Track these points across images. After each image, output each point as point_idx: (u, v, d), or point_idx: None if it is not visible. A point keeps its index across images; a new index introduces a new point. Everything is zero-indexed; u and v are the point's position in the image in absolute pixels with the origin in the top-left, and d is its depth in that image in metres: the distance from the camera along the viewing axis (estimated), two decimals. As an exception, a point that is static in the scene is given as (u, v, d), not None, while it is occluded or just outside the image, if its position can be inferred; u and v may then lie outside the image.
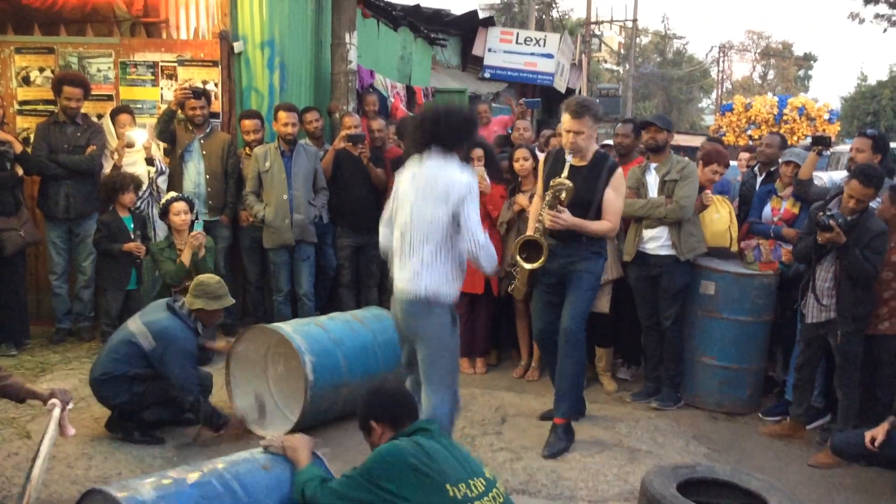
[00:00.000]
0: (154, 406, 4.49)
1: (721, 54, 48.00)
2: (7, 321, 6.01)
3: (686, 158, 5.49)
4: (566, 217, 4.42)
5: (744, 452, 4.75)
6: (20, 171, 6.10)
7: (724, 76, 50.29)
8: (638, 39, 42.10)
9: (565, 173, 4.45)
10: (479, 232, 3.60)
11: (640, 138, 5.64)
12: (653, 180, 5.36)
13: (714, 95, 49.94)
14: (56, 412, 3.55)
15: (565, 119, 4.49)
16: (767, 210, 5.63)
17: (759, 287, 5.25)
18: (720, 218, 5.45)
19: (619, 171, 4.56)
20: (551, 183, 4.46)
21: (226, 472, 2.97)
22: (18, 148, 6.03)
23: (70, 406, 4.29)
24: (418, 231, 3.61)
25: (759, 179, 6.15)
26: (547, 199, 4.48)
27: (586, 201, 4.50)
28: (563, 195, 4.41)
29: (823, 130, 19.91)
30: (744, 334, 5.28)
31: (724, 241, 5.44)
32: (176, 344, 4.38)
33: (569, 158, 4.47)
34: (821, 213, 4.56)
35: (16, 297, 6.08)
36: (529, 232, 4.70)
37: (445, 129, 3.64)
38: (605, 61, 45.98)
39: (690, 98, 51.04)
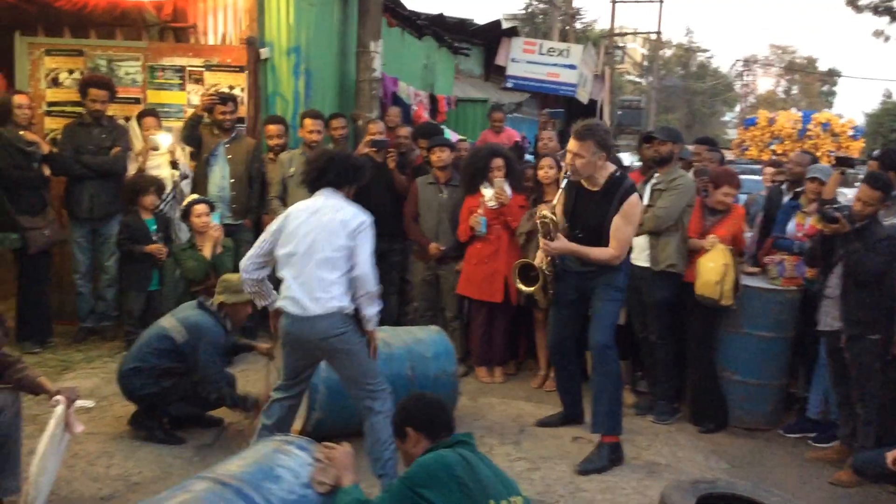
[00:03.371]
0: (180, 402, 4.57)
1: (745, 68, 47.85)
2: (31, 319, 6.08)
3: (684, 172, 5.45)
4: (556, 245, 4.48)
5: (764, 468, 4.72)
6: (47, 172, 6.18)
7: (748, 90, 50.11)
8: (661, 52, 42.02)
9: (557, 198, 4.51)
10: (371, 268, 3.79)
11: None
12: (648, 189, 5.36)
13: (737, 109, 49.74)
14: (59, 409, 3.56)
15: (570, 140, 4.50)
16: (792, 225, 5.60)
17: (781, 303, 5.22)
18: (713, 268, 5.03)
19: (633, 198, 4.43)
20: (537, 214, 4.51)
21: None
22: (46, 148, 6.11)
23: (87, 404, 4.37)
24: (322, 254, 3.74)
25: (787, 198, 6.11)
26: (540, 228, 4.51)
27: (597, 227, 4.47)
28: (551, 226, 4.45)
29: (847, 147, 19.75)
30: (766, 350, 5.24)
31: (714, 293, 5.02)
32: (207, 337, 4.50)
33: (565, 179, 4.48)
34: (827, 206, 4.67)
35: (40, 296, 6.15)
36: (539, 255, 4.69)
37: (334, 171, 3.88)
38: (629, 73, 45.91)
39: (713, 111, 50.86)
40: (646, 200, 5.31)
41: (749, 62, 49.21)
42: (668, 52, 49.39)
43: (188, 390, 4.56)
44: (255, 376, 5.43)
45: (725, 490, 3.58)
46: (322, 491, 2.85)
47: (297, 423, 4.54)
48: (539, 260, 4.67)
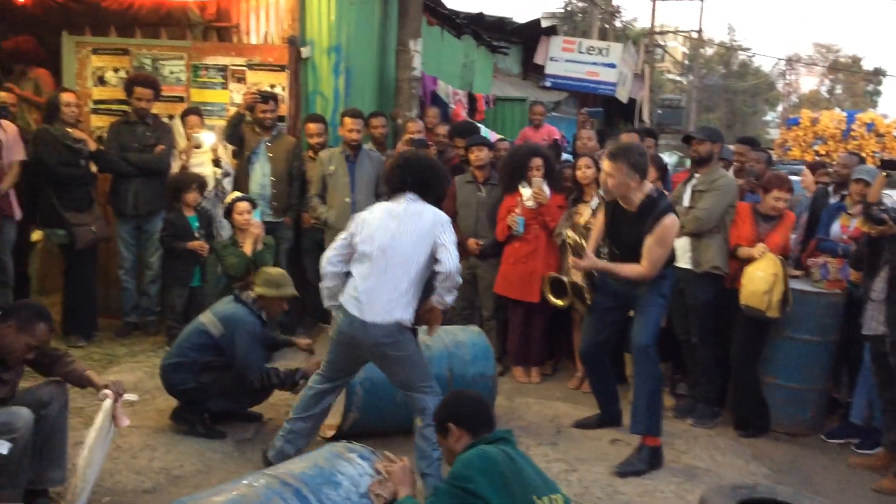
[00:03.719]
0: (220, 397, 4.63)
1: (788, 67, 47.10)
2: (77, 314, 6.20)
3: (725, 172, 5.38)
4: (584, 263, 4.53)
5: (805, 474, 4.65)
6: (94, 169, 6.31)
7: (791, 89, 49.31)
8: (702, 50, 41.51)
9: (588, 217, 4.53)
10: (457, 262, 3.76)
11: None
12: (689, 190, 5.32)
13: (779, 109, 48.98)
14: (107, 403, 3.63)
15: (604, 159, 4.49)
16: (836, 227, 5.51)
17: (825, 306, 5.14)
18: (761, 277, 4.90)
19: (666, 220, 4.34)
20: (564, 235, 4.53)
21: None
22: (93, 146, 6.24)
23: (132, 398, 4.43)
24: (396, 261, 3.74)
25: (833, 199, 6.00)
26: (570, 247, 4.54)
27: (633, 245, 4.46)
28: (577, 246, 4.49)
29: (893, 148, 19.32)
30: (808, 354, 5.16)
31: (761, 303, 4.90)
32: (242, 326, 4.56)
33: (597, 196, 4.47)
34: (874, 208, 4.57)
35: (86, 291, 6.27)
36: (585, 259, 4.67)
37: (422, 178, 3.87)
38: (669, 72, 45.43)
39: (755, 111, 50.10)
40: (686, 202, 5.27)
41: (792, 61, 48.42)
42: (709, 51, 48.76)
43: (228, 386, 4.63)
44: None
45: (766, 495, 3.53)
46: (378, 503, 2.89)
47: (335, 421, 4.60)
48: (573, 271, 4.65)
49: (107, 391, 3.67)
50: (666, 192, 5.58)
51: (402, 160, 3.98)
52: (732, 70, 49.79)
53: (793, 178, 5.80)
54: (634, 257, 4.44)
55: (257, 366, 4.62)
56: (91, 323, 6.32)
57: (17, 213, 5.92)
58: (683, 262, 5.19)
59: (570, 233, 4.57)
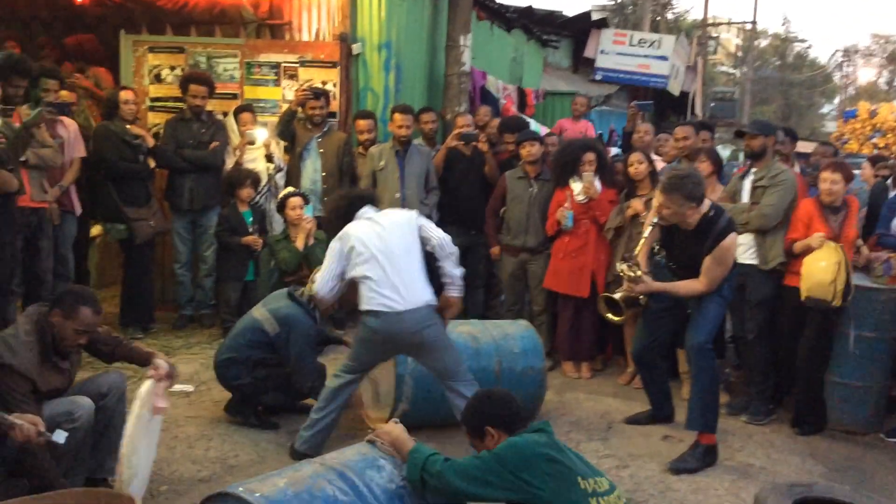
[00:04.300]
0: (273, 391, 4.71)
1: (845, 58, 45.90)
2: (135, 306, 6.35)
3: (785, 166, 5.27)
4: (640, 288, 4.51)
5: (863, 473, 4.53)
6: (152, 164, 6.45)
7: (848, 81, 48.06)
8: (756, 42, 40.70)
9: (640, 246, 4.60)
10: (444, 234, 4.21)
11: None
12: (748, 185, 5.22)
13: (836, 101, 47.80)
14: (144, 388, 3.59)
15: (657, 191, 4.46)
16: (897, 222, 5.36)
17: (886, 302, 5.00)
18: (825, 267, 4.78)
19: (726, 241, 4.29)
20: (616, 269, 4.63)
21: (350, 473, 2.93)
22: (151, 142, 6.38)
23: (187, 388, 4.51)
24: (399, 254, 4.06)
25: (892, 193, 5.85)
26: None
27: (690, 264, 4.44)
28: (631, 277, 4.50)
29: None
30: (868, 351, 5.03)
31: (826, 294, 4.78)
32: (299, 329, 4.62)
33: (653, 223, 4.53)
34: None
35: (143, 284, 6.42)
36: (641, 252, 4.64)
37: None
38: (722, 64, 44.65)
39: (811, 103, 48.95)
40: (746, 197, 5.19)
41: (849, 52, 47.12)
42: (763, 43, 47.78)
43: (281, 381, 4.70)
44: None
45: (823, 494, 3.46)
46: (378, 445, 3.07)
47: (383, 413, 4.64)
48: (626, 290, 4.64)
49: (154, 372, 3.67)
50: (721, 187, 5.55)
51: (335, 197, 4.58)
52: (787, 62, 48.72)
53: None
54: (691, 272, 4.43)
55: (310, 372, 4.67)
56: (148, 315, 6.47)
57: (78, 209, 6.09)
58: (747, 258, 5.13)
59: (622, 266, 4.56)
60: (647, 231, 4.61)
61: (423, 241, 4.14)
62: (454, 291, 4.17)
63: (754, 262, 5.14)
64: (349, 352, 4.35)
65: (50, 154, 5.48)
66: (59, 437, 3.29)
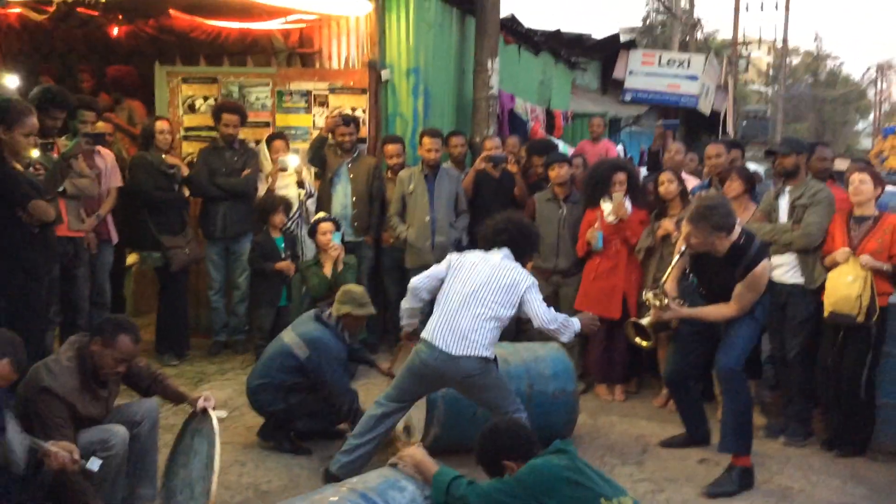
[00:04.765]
0: (307, 417, 4.72)
1: (879, 74, 45.33)
2: (170, 333, 6.43)
3: (821, 184, 5.20)
4: (669, 315, 4.50)
5: (907, 497, 4.43)
6: (187, 193, 6.55)
7: (883, 97, 47.42)
8: (788, 60, 40.37)
9: (674, 260, 4.62)
10: (547, 313, 4.12)
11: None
12: (784, 204, 5.16)
13: (871, 117, 47.18)
14: (215, 422, 3.71)
15: (685, 221, 4.44)
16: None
17: (927, 321, 4.89)
18: (851, 283, 4.68)
19: (758, 269, 4.26)
20: (646, 298, 4.57)
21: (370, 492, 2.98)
22: (185, 171, 6.49)
23: (221, 414, 4.55)
24: (484, 301, 4.03)
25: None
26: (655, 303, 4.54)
27: (720, 290, 4.43)
28: (658, 305, 4.48)
29: None
30: (909, 371, 4.92)
31: (852, 308, 4.68)
32: (329, 352, 4.64)
33: (681, 253, 4.54)
34: None
35: (178, 311, 6.49)
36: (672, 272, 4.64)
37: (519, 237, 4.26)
38: (753, 82, 44.31)
39: (846, 120, 48.34)
40: (783, 217, 5.13)
41: (882, 68, 46.53)
42: (794, 60, 47.38)
43: (315, 406, 4.71)
44: (376, 391, 5.51)
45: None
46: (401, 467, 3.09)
47: (415, 438, 4.63)
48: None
49: (206, 403, 3.79)
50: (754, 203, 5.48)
51: (504, 217, 4.33)
52: (820, 79, 48.23)
53: (890, 188, 5.55)
54: (722, 296, 4.40)
55: (345, 391, 4.69)
56: (183, 342, 6.54)
57: (115, 237, 6.19)
58: (788, 277, 5.07)
59: (649, 294, 4.56)
60: (675, 258, 4.59)
61: (522, 313, 4.12)
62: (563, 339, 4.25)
63: (798, 281, 5.06)
64: (394, 380, 4.31)
65: (87, 184, 5.59)
66: (94, 464, 3.33)
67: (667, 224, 5.59)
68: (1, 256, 4.19)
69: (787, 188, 5.19)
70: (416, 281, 4.29)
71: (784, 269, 5.07)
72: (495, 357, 4.14)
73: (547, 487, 2.74)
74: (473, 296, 4.02)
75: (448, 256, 4.30)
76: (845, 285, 4.72)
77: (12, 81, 5.49)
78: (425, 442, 4.52)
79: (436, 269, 4.26)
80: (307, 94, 7.12)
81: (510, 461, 2.97)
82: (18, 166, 4.34)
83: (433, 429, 4.53)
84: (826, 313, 4.82)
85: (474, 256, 4.21)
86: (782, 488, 4.43)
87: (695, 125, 17.98)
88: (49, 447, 3.22)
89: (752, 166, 10.06)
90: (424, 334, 4.08)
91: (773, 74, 43.92)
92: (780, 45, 35.03)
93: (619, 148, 11.24)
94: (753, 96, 42.61)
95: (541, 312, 4.07)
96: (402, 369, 4.24)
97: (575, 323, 4.17)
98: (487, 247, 4.25)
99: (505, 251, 4.19)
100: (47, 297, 4.77)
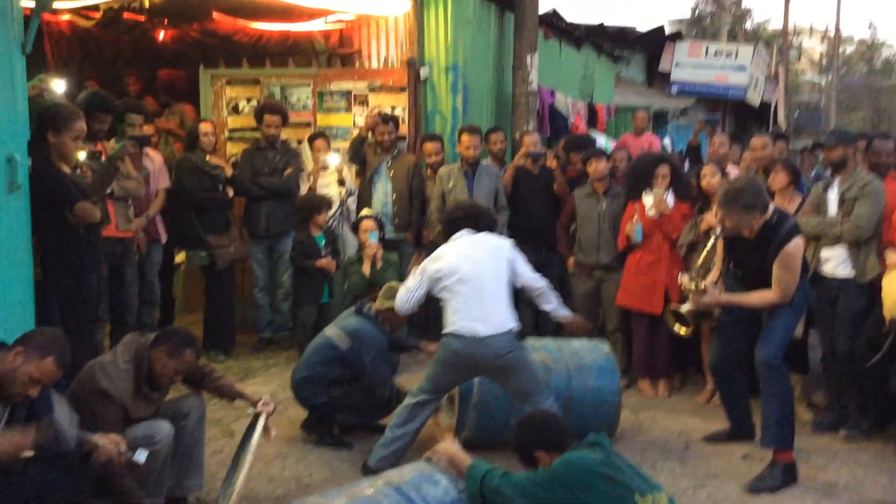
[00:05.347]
0: (349, 411, 4.81)
1: (937, 61, 43.92)
2: (217, 330, 6.56)
3: (871, 176, 5.08)
4: (707, 300, 4.50)
5: (960, 494, 4.30)
6: (231, 193, 6.68)
7: (942, 84, 45.90)
8: (841, 49, 39.37)
9: (702, 257, 4.73)
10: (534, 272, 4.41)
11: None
12: (833, 197, 5.05)
13: (931, 105, 45.71)
14: (262, 420, 3.85)
15: (717, 204, 4.44)
16: None
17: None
18: None
19: (790, 247, 4.19)
20: (681, 283, 4.58)
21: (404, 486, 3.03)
22: (229, 171, 6.61)
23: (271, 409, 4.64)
24: (489, 279, 4.18)
25: None
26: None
27: (757, 272, 4.38)
28: (694, 290, 4.48)
29: None
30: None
31: None
32: (369, 341, 4.72)
33: (714, 236, 4.59)
34: None
35: (225, 308, 6.63)
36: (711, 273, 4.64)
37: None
38: (806, 73, 43.33)
39: (903, 109, 46.91)
40: (833, 209, 5.03)
41: (941, 55, 45.09)
42: (849, 49, 46.16)
43: (357, 399, 4.79)
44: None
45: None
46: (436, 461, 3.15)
47: (452, 422, 4.69)
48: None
49: (264, 408, 3.91)
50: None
51: (453, 206, 4.73)
52: (875, 68, 46.90)
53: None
54: (760, 282, 4.34)
55: (386, 379, 4.77)
56: (230, 339, 6.67)
57: (164, 237, 6.34)
58: (840, 271, 4.98)
59: (684, 278, 4.55)
60: (710, 242, 4.55)
61: (512, 274, 4.28)
62: (560, 313, 4.48)
63: (849, 275, 4.96)
64: (427, 372, 4.36)
65: (134, 186, 5.72)
66: (140, 456, 3.41)
67: (709, 218, 5.51)
68: (50, 256, 4.33)
69: (836, 180, 5.09)
70: (402, 305, 4.37)
71: (834, 262, 4.98)
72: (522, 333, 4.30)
73: (582, 482, 2.74)
74: (478, 280, 4.13)
75: (422, 266, 4.36)
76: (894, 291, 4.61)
77: (59, 86, 5.65)
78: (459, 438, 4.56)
79: (419, 283, 4.31)
80: (347, 93, 7.19)
81: (542, 451, 2.98)
82: (66, 169, 4.48)
83: (464, 432, 4.57)
84: (887, 319, 4.65)
85: (455, 249, 4.29)
86: (827, 484, 4.35)
87: (743, 117, 17.65)
88: (97, 440, 3.31)
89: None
90: (450, 328, 4.13)
91: (826, 64, 42.87)
92: (832, 33, 34.14)
93: (667, 141, 11.14)
94: (806, 87, 41.64)
95: (527, 270, 4.34)
96: (434, 362, 4.30)
97: (563, 309, 4.47)
98: (449, 236, 4.42)
99: (466, 231, 4.36)
100: (96, 296, 4.91)
